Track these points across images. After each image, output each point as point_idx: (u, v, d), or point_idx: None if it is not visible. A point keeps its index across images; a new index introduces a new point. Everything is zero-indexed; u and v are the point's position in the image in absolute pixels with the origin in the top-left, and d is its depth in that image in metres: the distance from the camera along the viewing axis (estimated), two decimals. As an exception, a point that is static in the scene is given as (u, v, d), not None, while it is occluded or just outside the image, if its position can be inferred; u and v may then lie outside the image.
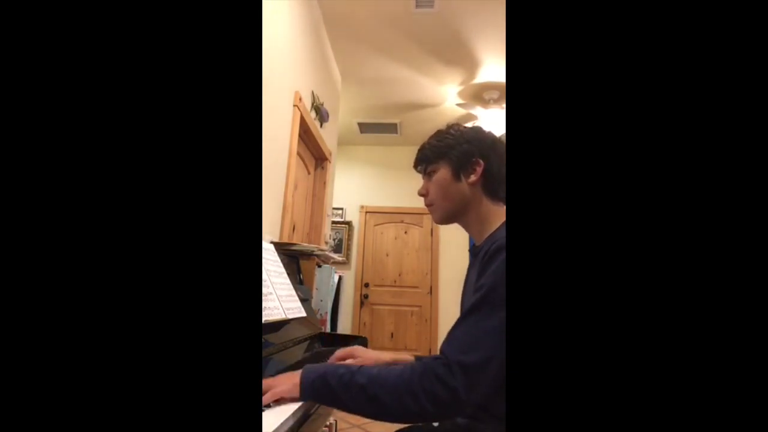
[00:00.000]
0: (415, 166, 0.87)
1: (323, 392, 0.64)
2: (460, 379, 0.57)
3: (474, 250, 0.82)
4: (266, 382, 0.68)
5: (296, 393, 0.66)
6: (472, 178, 0.78)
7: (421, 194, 0.85)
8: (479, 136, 0.82)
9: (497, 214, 0.78)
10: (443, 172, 0.81)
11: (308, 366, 0.69)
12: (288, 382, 0.67)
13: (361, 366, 0.65)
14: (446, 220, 0.83)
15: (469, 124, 0.87)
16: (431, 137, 0.85)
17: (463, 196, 0.79)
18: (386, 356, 0.91)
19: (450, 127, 0.85)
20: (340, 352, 0.90)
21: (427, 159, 0.83)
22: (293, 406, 0.66)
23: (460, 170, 0.79)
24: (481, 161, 0.78)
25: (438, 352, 0.66)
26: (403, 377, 0.61)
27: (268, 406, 0.67)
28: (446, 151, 0.81)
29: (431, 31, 2.57)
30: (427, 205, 0.84)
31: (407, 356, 0.94)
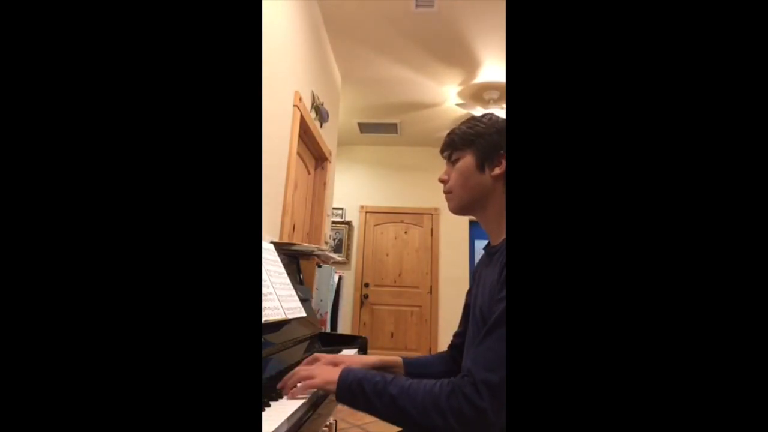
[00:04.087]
0: (442, 152, 0.83)
1: (357, 396, 0.65)
2: (488, 400, 0.56)
3: (489, 249, 0.79)
4: (307, 371, 0.71)
5: (332, 389, 0.68)
6: (497, 171, 0.74)
7: (441, 180, 0.82)
8: None
9: None
10: (467, 161, 0.77)
11: (347, 368, 0.70)
12: (326, 378, 0.69)
13: (396, 376, 0.66)
14: (461, 210, 0.79)
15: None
16: (463, 123, 0.81)
17: (483, 188, 0.76)
18: (371, 360, 0.89)
19: (484, 115, 0.81)
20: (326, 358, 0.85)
21: (453, 144, 0.80)
22: (291, 408, 0.66)
23: (484, 161, 0.76)
24: None
25: (436, 351, 0.65)
26: (432, 393, 0.60)
27: (274, 400, 0.69)
28: (474, 139, 0.77)
29: (431, 31, 2.57)
30: (446, 192, 0.81)
31: (395, 358, 0.91)
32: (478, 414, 0.56)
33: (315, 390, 0.73)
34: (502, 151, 0.75)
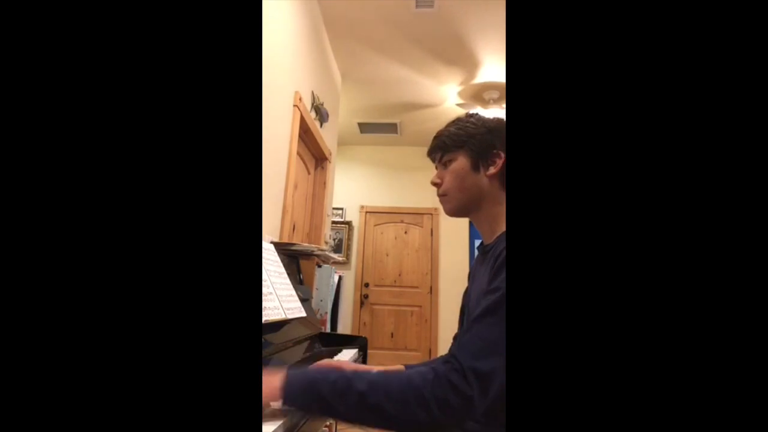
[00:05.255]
0: (429, 154, 0.83)
1: (312, 402, 0.56)
2: (476, 387, 0.54)
3: (483, 248, 0.79)
4: None
5: (276, 398, 0.57)
6: (492, 170, 0.74)
7: (434, 183, 0.80)
8: (501, 127, 0.77)
9: None
10: (461, 162, 0.76)
11: (292, 371, 0.59)
12: (265, 389, 0.56)
13: (356, 370, 0.60)
14: (458, 212, 0.78)
15: (490, 116, 0.82)
16: (449, 124, 0.81)
17: (479, 188, 0.75)
18: (373, 369, 0.80)
19: (470, 115, 0.80)
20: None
21: (444, 147, 0.79)
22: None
23: (479, 161, 0.75)
24: (502, 153, 0.74)
25: (436, 354, 0.63)
26: (411, 384, 0.55)
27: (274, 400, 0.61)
28: (466, 140, 0.76)
29: (431, 31, 2.57)
30: (440, 195, 0.79)
31: (398, 366, 0.87)
32: (465, 403, 0.53)
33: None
34: (495, 150, 0.75)
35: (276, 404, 0.56)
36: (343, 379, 0.56)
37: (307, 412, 0.59)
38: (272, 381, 0.57)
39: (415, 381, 0.56)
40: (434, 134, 0.82)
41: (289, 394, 0.57)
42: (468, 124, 0.78)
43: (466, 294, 0.87)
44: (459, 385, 0.54)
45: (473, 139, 0.76)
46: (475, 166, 0.76)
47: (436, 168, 0.82)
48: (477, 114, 0.81)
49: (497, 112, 3.22)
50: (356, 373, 0.58)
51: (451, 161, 0.78)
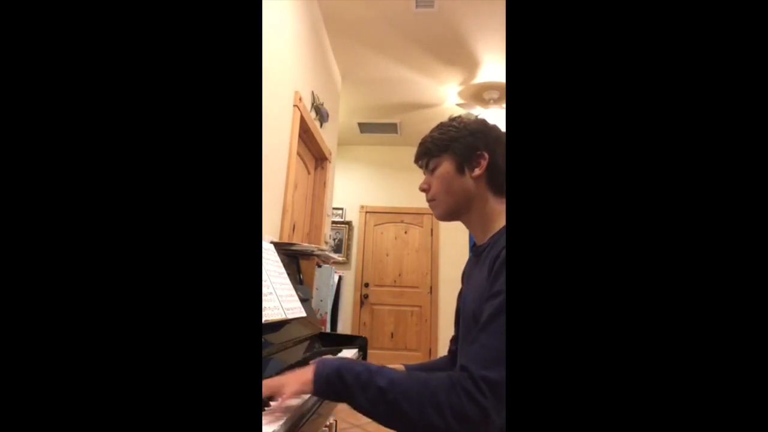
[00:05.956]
0: (416, 161, 0.84)
1: (337, 389, 0.60)
2: (491, 398, 0.53)
3: (476, 249, 0.79)
4: (277, 382, 0.63)
5: (309, 389, 0.62)
6: (477, 171, 0.75)
7: (422, 189, 0.81)
8: (484, 128, 0.78)
9: (502, 212, 0.75)
10: (446, 166, 0.77)
11: (323, 359, 0.65)
12: (300, 380, 0.62)
13: (382, 366, 0.62)
14: (449, 216, 0.79)
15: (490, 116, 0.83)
16: (433, 130, 0.82)
17: (467, 190, 0.76)
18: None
19: (453, 119, 0.81)
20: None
21: (429, 152, 0.80)
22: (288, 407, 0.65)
23: (464, 163, 0.76)
24: (486, 154, 0.75)
25: (436, 354, 0.63)
26: (427, 387, 0.56)
27: (274, 400, 0.65)
28: (449, 144, 0.77)
29: (431, 31, 2.57)
30: (429, 200, 0.81)
31: (398, 366, 0.87)
32: (480, 413, 0.53)
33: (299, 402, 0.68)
34: (479, 152, 0.75)
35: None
36: (367, 372, 0.60)
37: (332, 397, 0.62)
38: (305, 374, 0.62)
39: (431, 384, 0.57)
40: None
41: (318, 382, 0.61)
42: (450, 128, 0.79)
43: (461, 296, 0.86)
44: (474, 394, 0.54)
45: (456, 143, 0.77)
46: (461, 169, 0.76)
47: (424, 174, 0.83)
48: (459, 117, 0.82)
49: (497, 112, 3.22)
50: (381, 369, 0.61)
51: (437, 166, 0.79)
